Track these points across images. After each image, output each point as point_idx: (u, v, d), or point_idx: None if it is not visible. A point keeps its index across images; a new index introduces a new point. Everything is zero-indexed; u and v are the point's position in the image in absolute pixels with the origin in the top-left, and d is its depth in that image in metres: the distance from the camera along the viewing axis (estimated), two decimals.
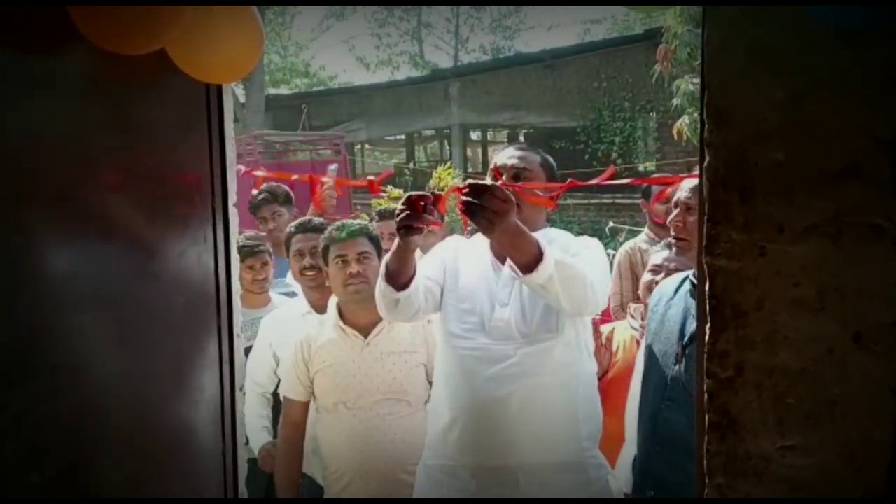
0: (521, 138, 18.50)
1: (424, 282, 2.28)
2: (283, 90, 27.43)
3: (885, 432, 1.27)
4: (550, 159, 2.39)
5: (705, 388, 1.37)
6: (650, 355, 2.25)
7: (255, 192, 4.43)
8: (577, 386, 2.24)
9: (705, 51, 1.35)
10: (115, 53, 1.57)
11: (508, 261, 2.03)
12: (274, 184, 4.49)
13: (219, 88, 1.96)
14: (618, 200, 13.81)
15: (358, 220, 2.84)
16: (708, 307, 1.35)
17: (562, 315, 2.18)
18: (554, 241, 2.26)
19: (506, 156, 2.33)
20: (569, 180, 2.39)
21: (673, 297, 2.24)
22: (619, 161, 14.06)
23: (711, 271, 1.34)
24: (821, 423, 1.30)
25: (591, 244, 2.38)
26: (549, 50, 15.88)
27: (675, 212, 2.32)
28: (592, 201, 14.04)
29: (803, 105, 1.28)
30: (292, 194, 4.43)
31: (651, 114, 13.88)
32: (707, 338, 1.36)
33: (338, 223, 2.74)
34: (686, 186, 2.36)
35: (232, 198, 2.07)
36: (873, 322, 1.26)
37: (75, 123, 1.68)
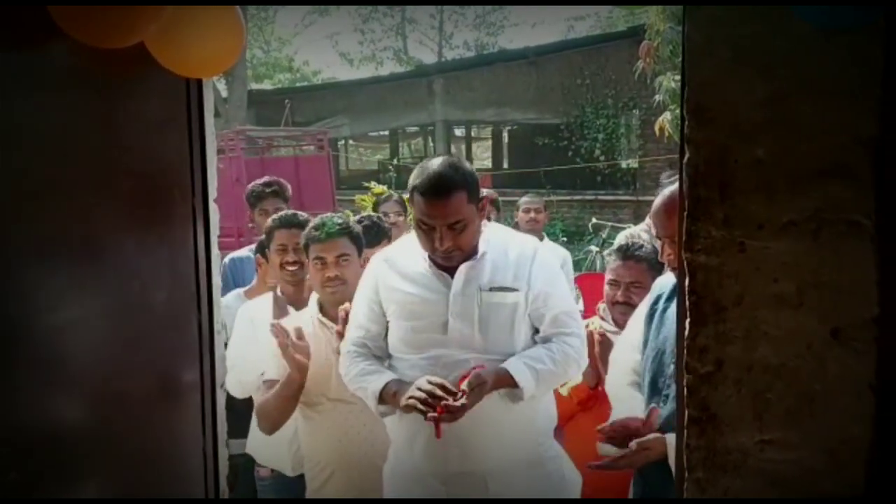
0: (505, 135, 18.50)
1: (373, 344, 2.39)
2: (266, 85, 27.28)
3: (864, 428, 1.28)
4: (469, 171, 2.23)
5: (685, 382, 1.37)
6: (648, 353, 2.25)
7: (259, 182, 4.41)
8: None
9: (686, 49, 1.36)
10: (95, 48, 1.56)
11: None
12: (278, 179, 4.49)
13: (199, 83, 1.94)
14: (601, 197, 13.88)
15: (339, 217, 2.77)
16: (688, 302, 1.36)
17: (516, 331, 2.25)
18: (490, 244, 2.29)
19: (429, 207, 2.14)
20: (485, 196, 2.31)
21: (673, 296, 2.21)
22: (601, 158, 14.12)
23: (691, 267, 1.35)
24: (800, 419, 1.31)
25: (546, 262, 2.35)
26: (533, 47, 15.91)
27: (661, 247, 2.27)
28: (576, 198, 14.10)
29: (786, 103, 1.29)
30: None
31: (634, 111, 13.93)
32: (686, 333, 1.37)
33: (318, 221, 2.70)
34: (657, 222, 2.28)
35: (212, 194, 2.06)
36: (852, 318, 1.27)
37: (55, 118, 1.66)
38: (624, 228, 7.03)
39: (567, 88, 14.56)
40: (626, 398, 2.30)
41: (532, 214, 5.13)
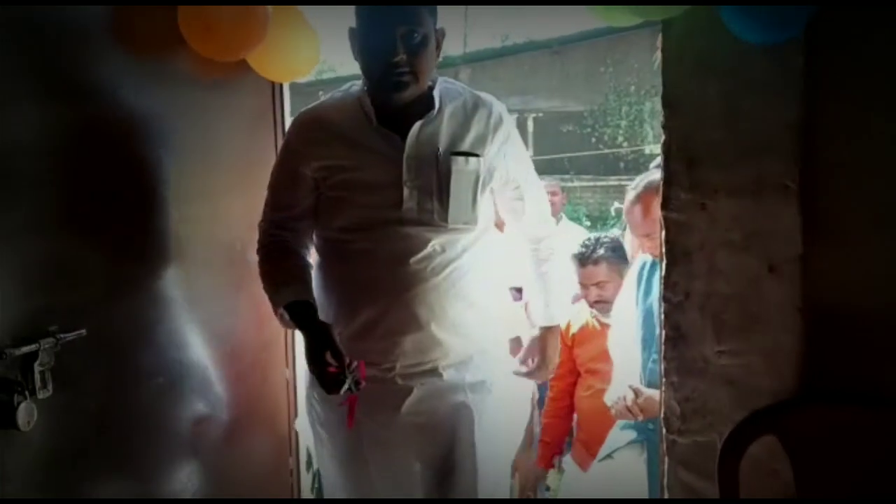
0: (530, 123, 18.75)
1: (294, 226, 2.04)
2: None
3: (794, 340, 1.70)
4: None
5: (662, 310, 1.81)
6: (639, 312, 2.65)
7: None
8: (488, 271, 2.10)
9: (662, 57, 1.80)
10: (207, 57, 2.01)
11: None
12: None
13: (281, 85, 2.41)
14: (624, 182, 14.14)
15: None
16: (664, 249, 1.80)
17: (478, 203, 1.99)
18: (445, 99, 1.99)
19: (398, 20, 1.83)
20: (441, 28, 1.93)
21: (655, 263, 2.57)
22: (624, 144, 14.43)
23: (667, 222, 1.79)
24: (747, 334, 1.73)
25: (509, 126, 2.08)
26: (557, 37, 16.19)
27: (640, 243, 2.71)
28: (599, 183, 14.41)
29: (734, 98, 1.71)
30: None
31: (656, 98, 14.14)
32: (663, 272, 1.80)
33: None
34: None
35: None
36: (783, 257, 1.69)
37: (168, 111, 2.03)
38: None
39: (590, 76, 14.84)
40: (625, 357, 2.70)
41: (548, 197, 5.32)
